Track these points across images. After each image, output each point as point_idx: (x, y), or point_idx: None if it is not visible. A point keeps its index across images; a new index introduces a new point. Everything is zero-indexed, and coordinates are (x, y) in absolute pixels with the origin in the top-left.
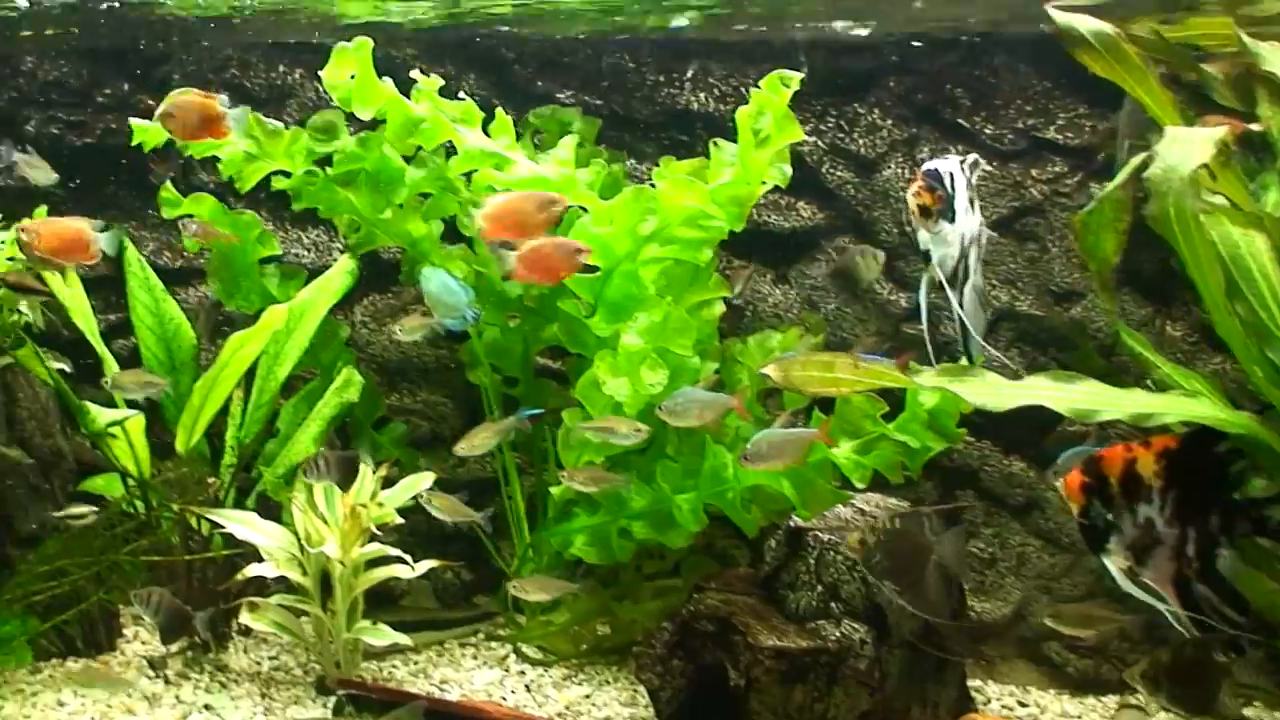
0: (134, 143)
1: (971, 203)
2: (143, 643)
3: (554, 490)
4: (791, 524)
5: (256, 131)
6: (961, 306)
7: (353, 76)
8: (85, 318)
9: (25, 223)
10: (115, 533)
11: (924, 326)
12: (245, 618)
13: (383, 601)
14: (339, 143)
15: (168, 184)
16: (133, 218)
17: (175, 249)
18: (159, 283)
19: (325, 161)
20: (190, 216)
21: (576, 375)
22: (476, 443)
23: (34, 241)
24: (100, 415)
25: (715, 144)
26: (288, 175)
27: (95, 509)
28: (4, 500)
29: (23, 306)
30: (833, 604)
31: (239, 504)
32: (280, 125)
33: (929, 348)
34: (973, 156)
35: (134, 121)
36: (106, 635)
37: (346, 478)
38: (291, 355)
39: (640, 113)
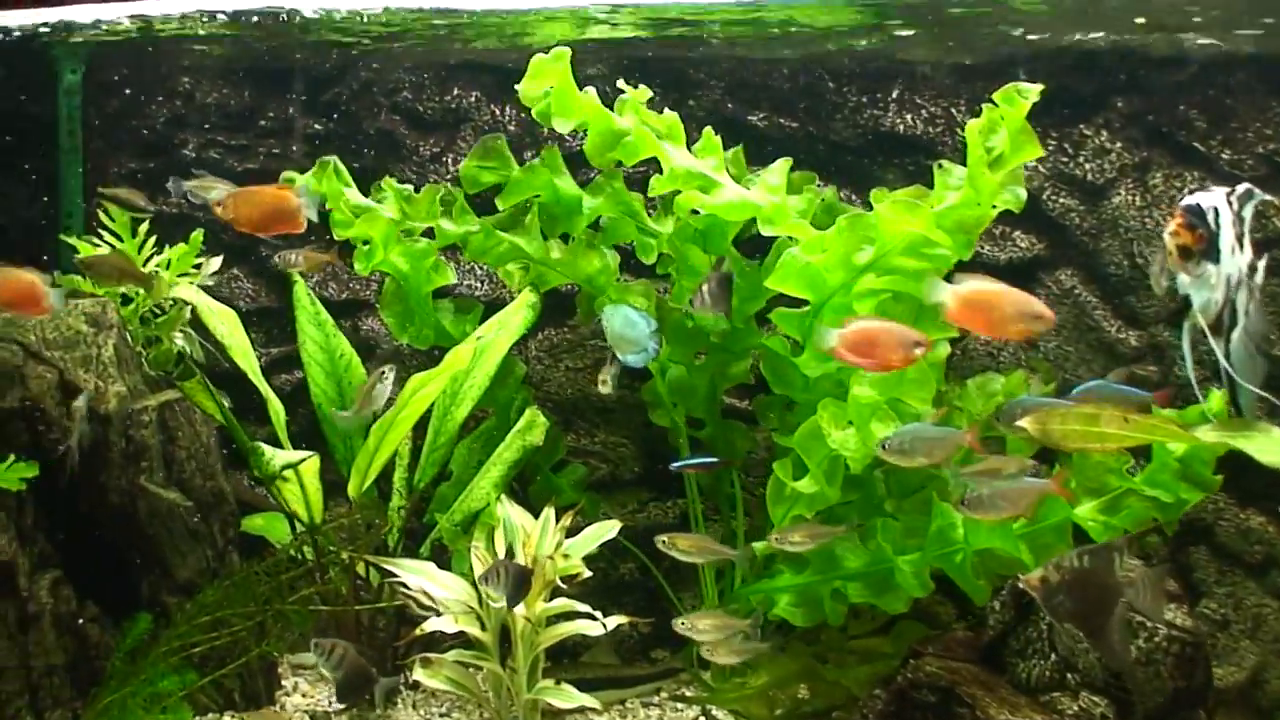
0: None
1: (1240, 240)
2: (303, 695)
3: (756, 546)
4: (1019, 583)
5: (395, 201)
6: (1228, 356)
7: (550, 89)
8: (245, 355)
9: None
10: (280, 580)
11: (1190, 376)
12: (419, 674)
13: (558, 654)
14: (507, 171)
15: (340, 204)
16: (293, 248)
17: (341, 279)
18: (329, 318)
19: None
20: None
21: (768, 415)
22: (686, 546)
23: (233, 213)
24: (275, 457)
25: (940, 166)
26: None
27: None
28: (160, 545)
29: (178, 339)
30: (1069, 675)
31: (409, 552)
32: (410, 189)
33: (1198, 397)
34: (1244, 187)
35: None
36: (265, 688)
37: (519, 591)
38: (471, 396)
39: (840, 135)
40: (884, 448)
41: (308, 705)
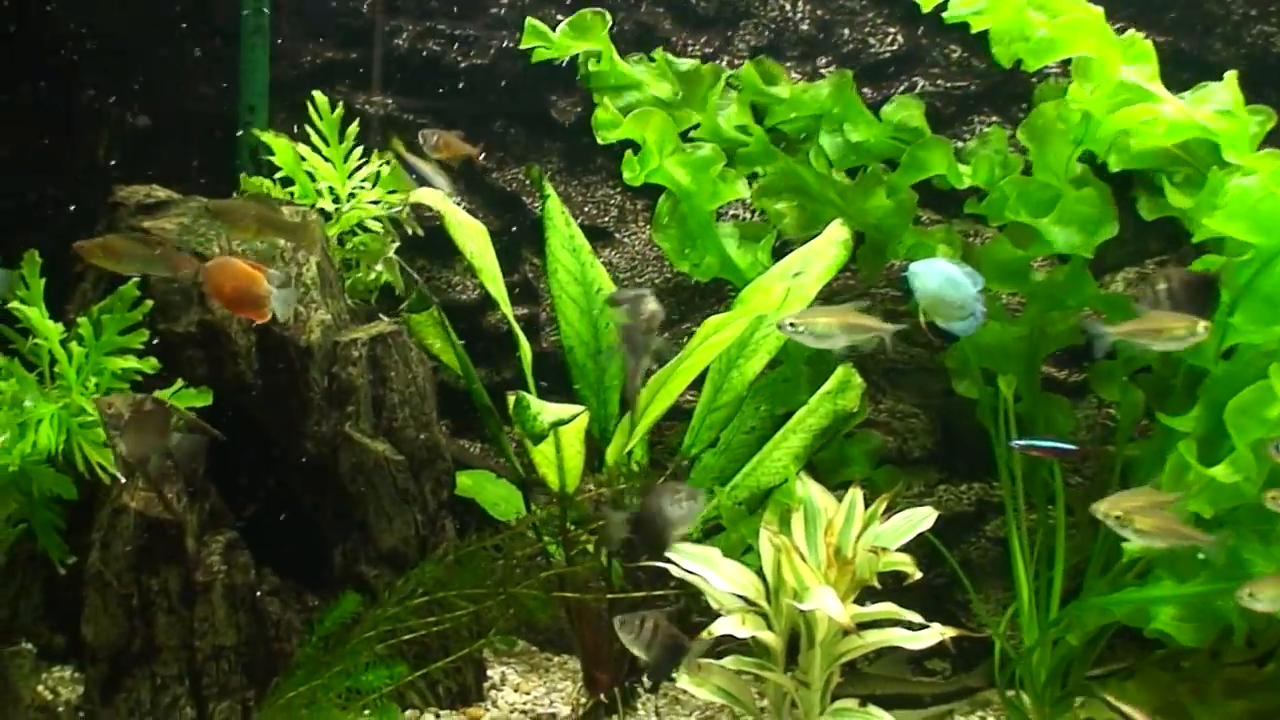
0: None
1: None
2: (514, 689)
3: (1127, 547)
4: None
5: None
6: None
7: None
8: (495, 280)
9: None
10: (516, 559)
11: None
12: (684, 682)
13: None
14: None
15: (606, 101)
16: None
17: (574, 203)
18: (585, 243)
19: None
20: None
21: (1107, 386)
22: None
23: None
24: (543, 412)
25: None
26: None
27: None
28: (363, 506)
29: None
30: None
31: None
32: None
33: None
34: None
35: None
36: (475, 682)
37: (668, 664)
38: (766, 347)
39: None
40: None
41: (524, 704)
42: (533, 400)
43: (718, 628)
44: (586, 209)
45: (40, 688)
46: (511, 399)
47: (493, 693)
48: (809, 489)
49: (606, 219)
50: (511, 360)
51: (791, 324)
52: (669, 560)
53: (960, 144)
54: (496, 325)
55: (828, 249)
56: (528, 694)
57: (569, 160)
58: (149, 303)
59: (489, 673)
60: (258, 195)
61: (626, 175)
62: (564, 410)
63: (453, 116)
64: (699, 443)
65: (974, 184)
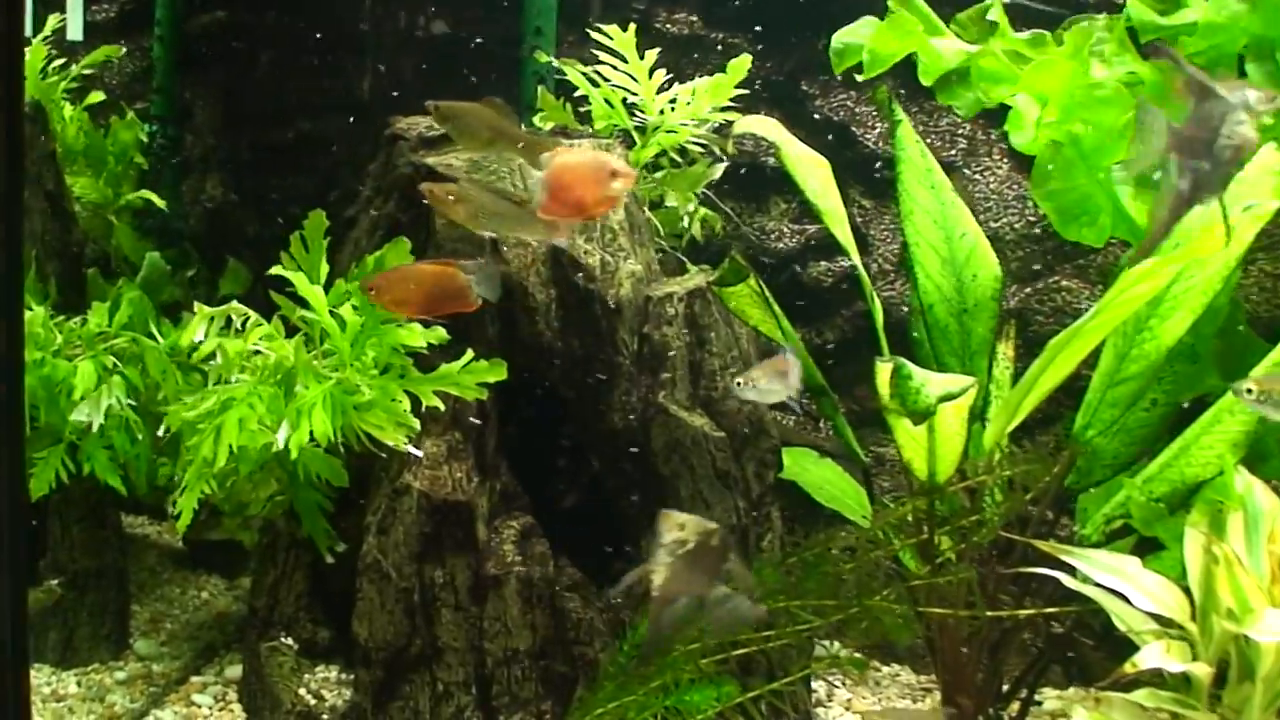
0: None
1: None
2: (845, 707)
3: None
4: None
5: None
6: None
7: None
8: (840, 223)
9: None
10: (868, 561)
11: None
12: (1081, 716)
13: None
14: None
15: (992, 49)
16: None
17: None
18: (945, 180)
19: None
20: None
21: None
22: None
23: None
24: (928, 383)
25: None
26: None
27: None
28: (676, 489)
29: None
30: None
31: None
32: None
33: None
34: None
35: None
36: (803, 701)
37: None
38: (1189, 304)
39: None
40: None
41: None
42: (915, 370)
43: (1143, 659)
44: (929, 140)
45: (302, 690)
46: (884, 368)
47: (820, 711)
48: (1250, 486)
49: (954, 151)
50: (834, 321)
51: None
52: (1065, 569)
53: None
54: (818, 279)
55: (1262, 178)
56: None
57: (908, 84)
58: None
59: (813, 684)
60: (489, 102)
61: (1016, 138)
62: (952, 382)
63: (764, 35)
64: (1096, 423)
65: None
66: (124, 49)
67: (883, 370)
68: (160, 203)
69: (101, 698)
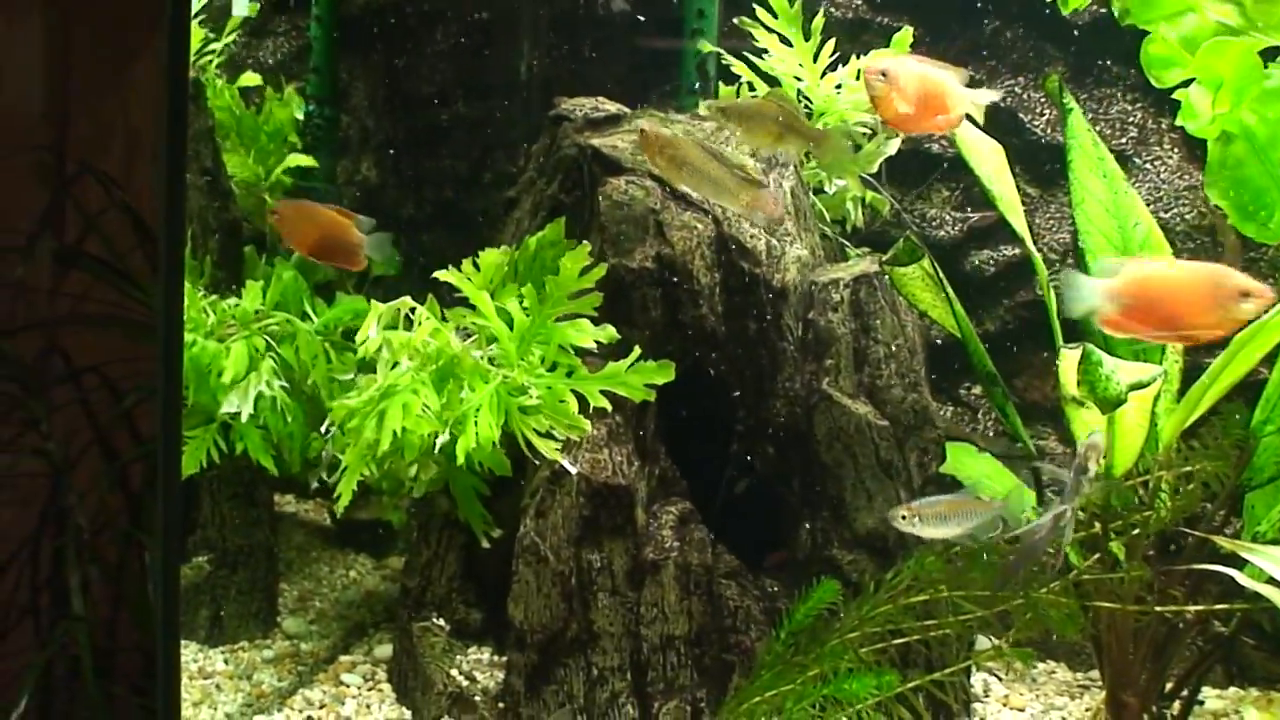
0: None
1: None
2: (1003, 703)
3: None
4: None
5: None
6: None
7: None
8: (1015, 211)
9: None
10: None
11: None
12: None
13: None
14: None
15: (1159, 31)
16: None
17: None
18: (1118, 169)
19: None
20: None
21: None
22: None
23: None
24: (1117, 371)
25: None
26: None
27: None
28: (839, 478)
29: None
30: None
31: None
32: None
33: None
34: None
35: None
36: (962, 694)
37: None
38: None
39: None
40: None
41: None
42: (1105, 356)
43: None
44: (1099, 128)
45: (454, 671)
46: (1069, 355)
47: (977, 706)
48: None
49: (1125, 140)
50: (996, 311)
51: None
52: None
53: None
54: (980, 268)
55: None
56: (1021, 710)
57: (1078, 69)
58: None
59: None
60: (778, 95)
61: (1190, 125)
62: (1142, 370)
63: (930, 20)
64: (1276, 419)
65: None
66: (280, 27)
67: (1068, 358)
68: (313, 164)
69: (249, 676)
